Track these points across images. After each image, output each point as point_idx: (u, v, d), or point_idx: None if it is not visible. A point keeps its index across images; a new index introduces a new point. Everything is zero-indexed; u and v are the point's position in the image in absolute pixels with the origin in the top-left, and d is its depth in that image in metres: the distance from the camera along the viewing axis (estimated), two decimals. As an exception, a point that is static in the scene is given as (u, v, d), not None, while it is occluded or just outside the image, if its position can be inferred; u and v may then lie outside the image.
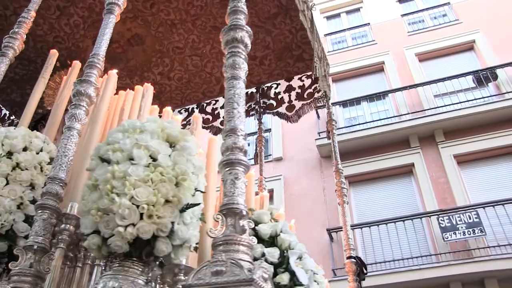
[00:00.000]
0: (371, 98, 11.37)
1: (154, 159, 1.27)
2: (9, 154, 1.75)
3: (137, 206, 1.17)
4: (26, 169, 1.74)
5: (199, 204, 1.29)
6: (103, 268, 1.59)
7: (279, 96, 4.60)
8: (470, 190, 9.25)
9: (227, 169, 1.26)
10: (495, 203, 8.49)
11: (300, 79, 4.57)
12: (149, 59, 4.37)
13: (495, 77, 10.52)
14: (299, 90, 4.49)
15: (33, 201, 1.68)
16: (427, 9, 13.53)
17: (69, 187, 1.61)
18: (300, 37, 4.26)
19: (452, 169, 9.54)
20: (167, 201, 1.21)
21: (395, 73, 11.91)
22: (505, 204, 8.44)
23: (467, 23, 12.15)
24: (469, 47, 11.96)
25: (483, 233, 8.14)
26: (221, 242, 1.14)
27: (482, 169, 9.58)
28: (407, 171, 10.09)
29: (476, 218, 8.30)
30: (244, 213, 1.18)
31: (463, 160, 9.78)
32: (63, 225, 1.51)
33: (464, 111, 9.94)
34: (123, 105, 2.15)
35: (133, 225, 1.16)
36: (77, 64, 2.40)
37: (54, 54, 2.59)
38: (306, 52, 4.25)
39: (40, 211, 1.41)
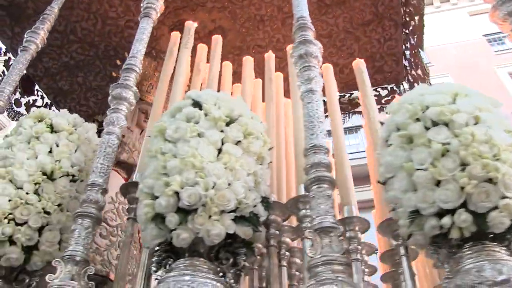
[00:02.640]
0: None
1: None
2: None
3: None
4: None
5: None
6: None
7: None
8: None
9: (316, 186, 1.18)
10: None
11: (375, 90, 4.27)
12: (225, 56, 4.01)
13: None
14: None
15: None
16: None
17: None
18: (386, 47, 4.20)
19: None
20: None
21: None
22: None
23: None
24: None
25: None
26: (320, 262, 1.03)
27: None
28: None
29: None
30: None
31: None
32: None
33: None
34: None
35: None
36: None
37: (192, 25, 2.39)
38: (388, 64, 4.13)
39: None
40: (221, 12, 3.72)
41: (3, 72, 3.93)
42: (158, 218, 1.14)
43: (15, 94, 4.09)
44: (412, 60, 3.98)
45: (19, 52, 2.25)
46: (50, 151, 1.51)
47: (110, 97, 1.62)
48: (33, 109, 4.17)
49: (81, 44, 3.94)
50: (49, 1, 3.73)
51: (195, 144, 1.20)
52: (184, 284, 1.05)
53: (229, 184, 1.16)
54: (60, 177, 1.46)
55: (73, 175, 1.50)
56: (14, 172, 1.40)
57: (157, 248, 1.23)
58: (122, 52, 3.90)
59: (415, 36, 3.68)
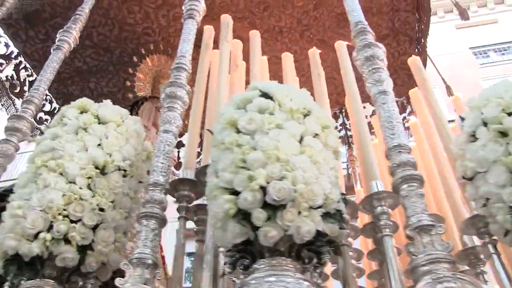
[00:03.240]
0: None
1: None
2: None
3: None
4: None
5: None
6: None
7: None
8: None
9: (406, 185, 1.15)
10: None
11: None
12: (241, 66, 3.99)
13: None
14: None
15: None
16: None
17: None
18: (400, 62, 4.34)
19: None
20: None
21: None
22: None
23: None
24: None
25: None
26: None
27: None
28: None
29: None
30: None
31: None
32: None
33: None
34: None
35: None
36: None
37: (228, 18, 2.37)
38: (400, 78, 4.13)
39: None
40: (240, 22, 3.69)
41: (12, 76, 3.81)
42: (240, 214, 1.05)
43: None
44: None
45: (52, 51, 2.19)
46: (99, 144, 1.41)
47: (163, 96, 1.57)
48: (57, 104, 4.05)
49: (96, 49, 3.87)
50: (67, 6, 3.68)
51: (275, 136, 1.12)
52: (281, 285, 0.96)
53: (315, 179, 1.08)
54: (112, 171, 1.36)
55: (125, 170, 1.40)
56: (65, 165, 1.30)
57: (229, 248, 1.14)
58: (138, 57, 3.82)
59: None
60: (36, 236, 1.21)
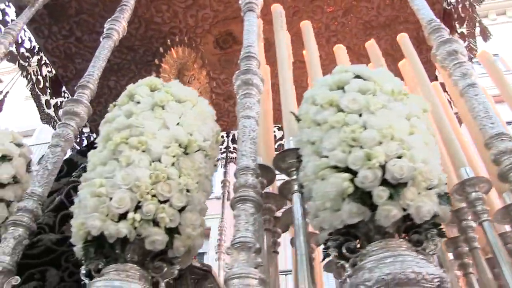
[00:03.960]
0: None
1: None
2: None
3: None
4: None
5: None
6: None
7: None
8: None
9: None
10: None
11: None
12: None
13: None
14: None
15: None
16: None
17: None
18: None
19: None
20: None
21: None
22: None
23: None
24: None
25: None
26: None
27: None
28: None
29: None
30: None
31: None
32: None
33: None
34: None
35: None
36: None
37: (280, 7, 2.42)
38: None
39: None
40: (269, 25, 3.69)
41: (37, 71, 3.74)
42: (358, 193, 1.01)
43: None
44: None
45: (101, 40, 2.14)
46: (177, 123, 1.35)
47: (238, 83, 1.54)
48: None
49: (120, 47, 3.80)
50: (94, 3, 3.64)
51: (384, 116, 1.09)
52: (407, 266, 0.91)
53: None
54: (195, 151, 1.30)
55: (205, 151, 1.34)
56: (148, 142, 1.24)
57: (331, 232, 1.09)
58: (159, 58, 3.78)
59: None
60: (121, 216, 1.15)
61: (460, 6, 3.47)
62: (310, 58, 2.01)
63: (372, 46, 2.27)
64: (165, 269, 1.18)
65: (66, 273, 1.55)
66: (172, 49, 3.39)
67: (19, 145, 1.77)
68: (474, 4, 3.41)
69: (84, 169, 1.34)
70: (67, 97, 4.14)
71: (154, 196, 1.17)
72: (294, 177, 1.43)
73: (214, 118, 1.51)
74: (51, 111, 3.99)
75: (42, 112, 3.97)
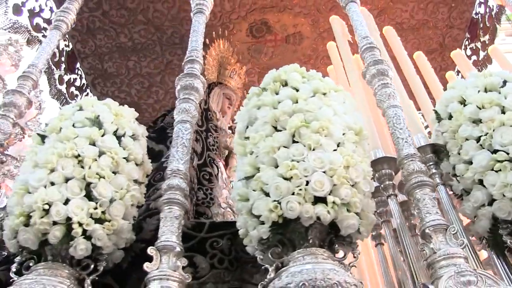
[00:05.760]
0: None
1: None
2: None
3: None
4: None
5: None
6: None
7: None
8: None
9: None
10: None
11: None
12: (291, 62, 3.96)
13: None
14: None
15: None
16: None
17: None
18: (440, 77, 4.44)
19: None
20: None
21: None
22: None
23: None
24: None
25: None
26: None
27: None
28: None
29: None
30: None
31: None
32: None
33: None
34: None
35: None
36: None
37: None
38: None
39: None
40: (305, 18, 3.69)
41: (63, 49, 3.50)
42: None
43: (59, 70, 3.63)
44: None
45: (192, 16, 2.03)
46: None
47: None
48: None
49: (147, 26, 3.64)
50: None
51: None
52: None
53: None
54: (364, 140, 1.30)
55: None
56: (330, 127, 1.21)
57: None
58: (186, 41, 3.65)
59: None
60: (317, 200, 1.11)
61: (487, 16, 3.65)
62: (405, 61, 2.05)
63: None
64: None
65: (215, 260, 1.49)
66: (214, 42, 3.29)
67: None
68: (499, 14, 3.60)
69: None
70: (80, 75, 3.91)
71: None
72: (434, 170, 1.48)
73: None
74: (63, 87, 3.74)
75: (53, 86, 3.70)
